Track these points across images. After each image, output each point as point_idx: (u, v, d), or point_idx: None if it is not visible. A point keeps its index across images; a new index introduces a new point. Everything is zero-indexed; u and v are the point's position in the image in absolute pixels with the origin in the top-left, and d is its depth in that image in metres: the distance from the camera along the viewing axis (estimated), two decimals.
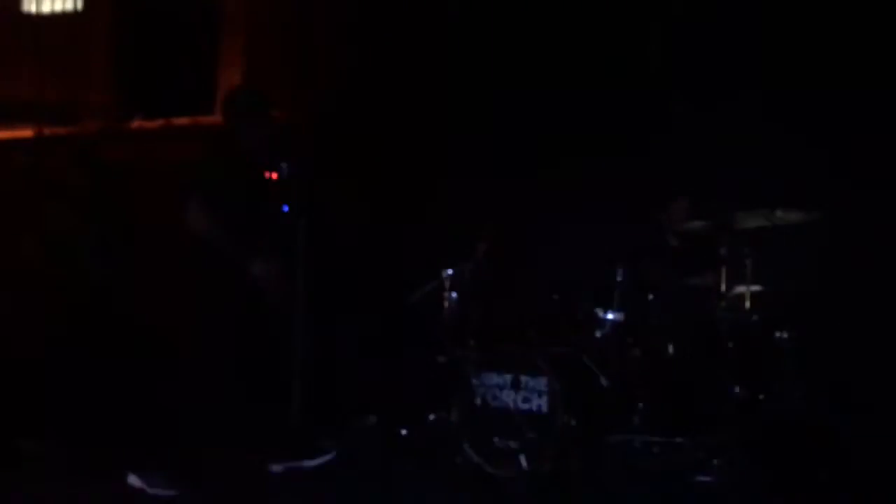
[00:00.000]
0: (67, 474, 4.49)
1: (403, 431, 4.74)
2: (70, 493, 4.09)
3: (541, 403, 4.21)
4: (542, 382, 4.23)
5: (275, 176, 5.32)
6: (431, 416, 4.69)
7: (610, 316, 4.48)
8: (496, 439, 4.24)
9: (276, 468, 4.34)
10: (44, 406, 5.20)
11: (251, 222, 4.40)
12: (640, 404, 4.37)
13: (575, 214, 5.33)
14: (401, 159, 5.85)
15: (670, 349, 4.44)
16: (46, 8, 7.20)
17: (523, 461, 4.11)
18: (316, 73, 6.25)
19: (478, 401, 4.37)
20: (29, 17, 7.18)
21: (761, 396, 4.22)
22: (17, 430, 4.94)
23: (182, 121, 6.69)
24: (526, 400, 4.27)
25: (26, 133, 6.53)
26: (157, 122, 6.78)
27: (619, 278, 4.52)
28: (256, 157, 4.49)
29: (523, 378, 4.29)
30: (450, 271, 4.90)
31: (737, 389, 4.17)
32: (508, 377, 4.33)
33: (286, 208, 5.34)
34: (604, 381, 4.45)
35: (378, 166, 5.90)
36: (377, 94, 6.01)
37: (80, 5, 7.09)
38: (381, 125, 5.95)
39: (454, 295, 4.92)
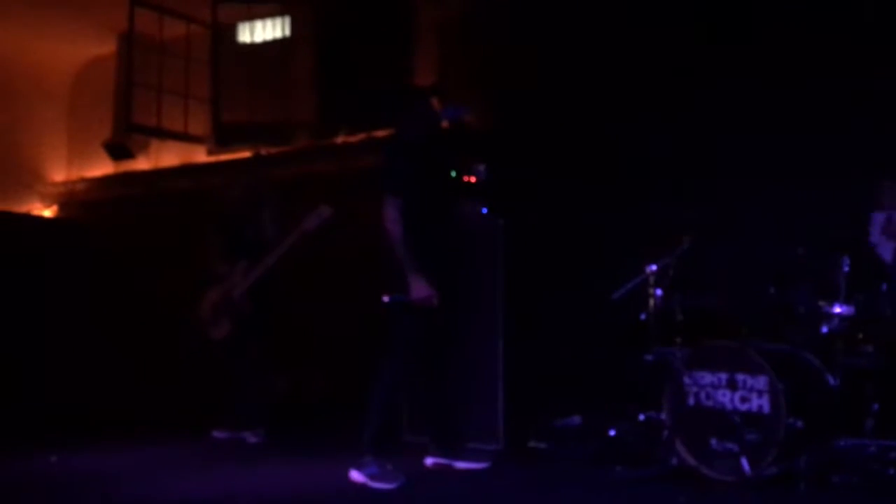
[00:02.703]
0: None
1: (612, 432, 4.63)
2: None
3: (762, 403, 3.96)
4: (762, 381, 3.97)
5: (472, 179, 5.43)
6: (641, 417, 4.55)
7: (837, 309, 4.13)
8: (713, 441, 4.03)
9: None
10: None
11: (444, 226, 4.50)
12: (874, 405, 3.99)
13: (787, 203, 4.99)
14: (599, 157, 5.73)
15: None
16: (259, 37, 7.77)
17: (746, 465, 3.88)
18: (508, 77, 6.29)
19: (690, 400, 4.18)
20: (244, 45, 7.79)
21: None
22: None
23: (382, 133, 6.97)
24: (744, 400, 4.02)
25: (245, 154, 7.06)
26: (360, 136, 7.11)
27: (844, 268, 4.16)
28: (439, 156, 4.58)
29: (740, 376, 4.05)
30: (653, 267, 4.74)
31: None
32: (723, 375, 4.10)
33: (485, 210, 5.42)
34: (831, 381, 4.11)
35: (575, 165, 5.81)
36: (571, 95, 5.93)
37: (287, 32, 7.59)
38: (577, 125, 5.87)
39: (659, 291, 4.75)
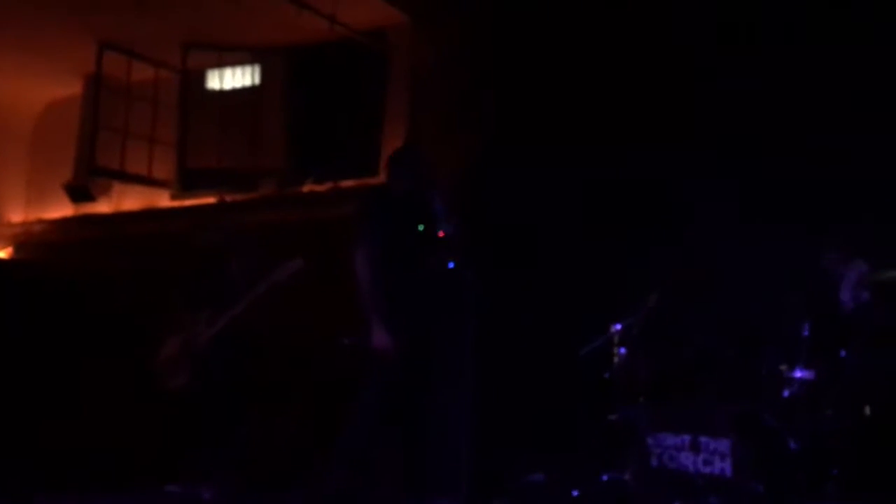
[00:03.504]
0: None
1: (575, 493, 4.60)
2: None
3: (724, 466, 3.97)
4: (724, 444, 4.00)
5: (441, 234, 5.43)
6: (604, 477, 4.53)
7: (798, 374, 4.19)
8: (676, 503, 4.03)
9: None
10: None
11: (415, 279, 4.49)
12: (835, 471, 4.03)
13: (751, 264, 5.07)
14: (569, 209, 5.78)
15: (867, 410, 4.09)
16: (228, 84, 7.77)
17: None
18: (479, 132, 6.34)
19: (654, 462, 4.19)
20: (212, 92, 7.77)
21: None
22: None
23: (349, 183, 6.98)
24: (707, 462, 4.04)
25: (209, 200, 7.01)
26: (326, 186, 7.10)
27: (805, 333, 4.24)
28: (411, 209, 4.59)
29: (703, 439, 4.07)
30: (618, 326, 4.77)
31: None
32: (686, 438, 4.13)
33: (452, 265, 5.42)
34: (792, 444, 4.14)
35: (546, 216, 5.84)
36: (543, 147, 5.97)
37: (257, 80, 7.60)
38: (549, 174, 5.89)
39: (623, 350, 4.78)
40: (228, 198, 6.73)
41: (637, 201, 5.55)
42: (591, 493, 4.54)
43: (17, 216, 8.61)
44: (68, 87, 8.17)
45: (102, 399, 7.11)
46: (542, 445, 5.16)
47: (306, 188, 7.21)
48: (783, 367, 4.22)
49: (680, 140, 5.52)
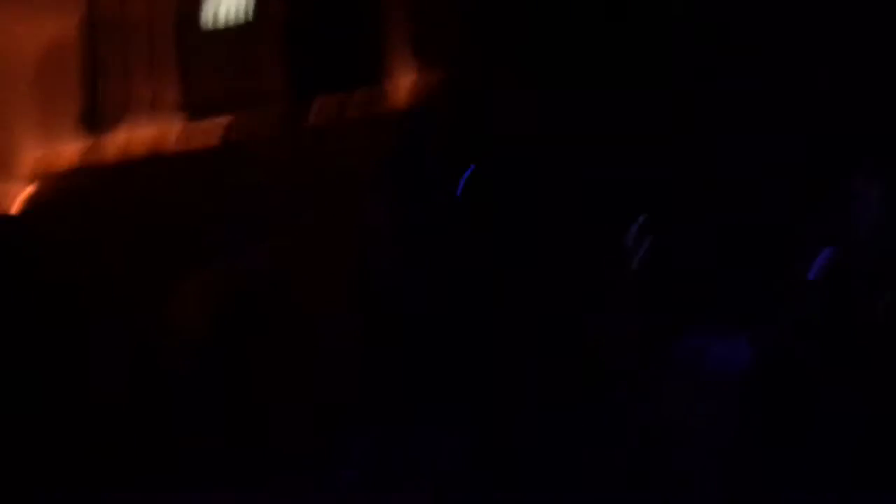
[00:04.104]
0: None
1: None
2: None
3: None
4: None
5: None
6: None
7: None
8: None
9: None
10: None
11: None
12: None
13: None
14: (569, 125, 5.69)
15: None
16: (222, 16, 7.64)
17: None
18: (481, 43, 6.19)
19: None
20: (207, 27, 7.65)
21: None
22: None
23: (357, 96, 6.90)
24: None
25: (215, 143, 7.05)
26: (334, 99, 7.00)
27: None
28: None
29: None
30: None
31: None
32: None
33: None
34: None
35: (547, 136, 5.77)
36: (551, 55, 5.82)
37: (250, 17, 7.45)
38: (554, 89, 5.78)
39: None
40: (233, 136, 6.78)
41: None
42: None
43: (35, 153, 8.77)
44: (69, 22, 8.11)
45: None
46: None
47: (312, 118, 7.19)
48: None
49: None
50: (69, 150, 8.45)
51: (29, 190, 8.76)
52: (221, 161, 6.59)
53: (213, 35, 7.57)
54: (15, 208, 8.45)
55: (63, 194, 8.29)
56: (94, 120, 8.09)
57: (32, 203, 8.49)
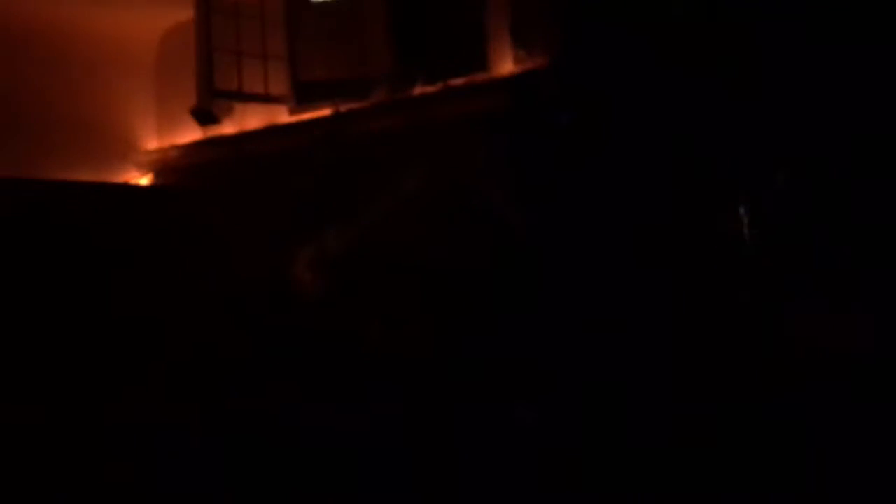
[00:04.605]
0: None
1: None
2: None
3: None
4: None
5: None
6: None
7: None
8: None
9: None
10: None
11: None
12: None
13: None
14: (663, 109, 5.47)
15: None
16: None
17: None
18: (581, 20, 6.06)
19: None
20: (317, 3, 7.77)
21: None
22: None
23: (458, 81, 6.89)
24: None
25: (325, 112, 7.11)
26: (437, 86, 7.04)
27: None
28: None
29: None
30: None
31: None
32: None
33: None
34: None
35: (635, 117, 5.55)
36: (647, 38, 5.64)
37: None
38: (647, 74, 5.57)
39: None
40: (343, 108, 6.80)
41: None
42: None
43: (152, 143, 9.07)
44: (182, 12, 8.38)
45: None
46: None
47: (417, 91, 7.18)
48: None
49: None
50: (184, 140, 8.73)
51: (145, 181, 9.07)
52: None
53: (321, 8, 7.68)
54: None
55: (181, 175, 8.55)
56: (208, 112, 8.28)
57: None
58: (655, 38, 5.50)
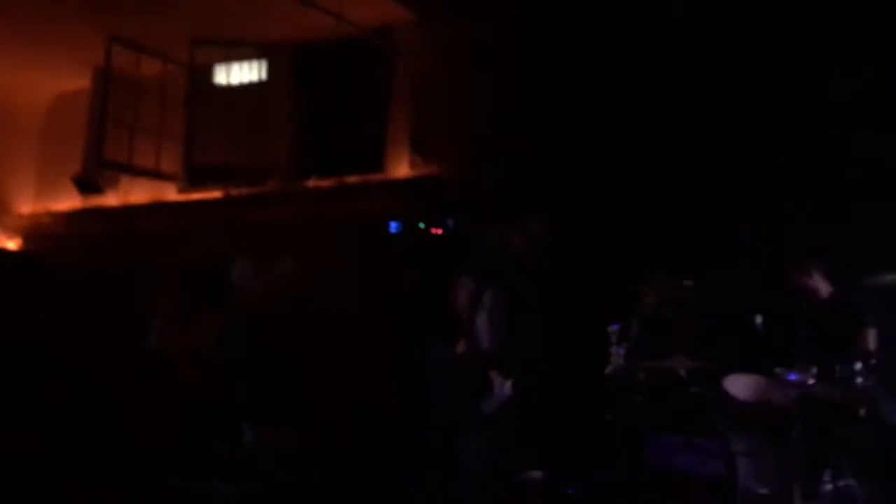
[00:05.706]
0: None
1: (570, 490, 4.65)
2: None
3: (717, 467, 4.01)
4: (717, 445, 4.04)
5: (439, 231, 5.47)
6: (600, 476, 4.58)
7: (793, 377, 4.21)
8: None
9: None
10: None
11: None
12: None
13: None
14: (567, 212, 5.79)
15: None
16: (235, 79, 7.82)
17: None
18: (482, 132, 6.37)
19: (649, 461, 4.23)
20: (219, 88, 7.82)
21: None
22: None
23: (353, 179, 7.03)
24: (701, 463, 4.08)
25: (216, 194, 7.06)
26: (331, 182, 7.14)
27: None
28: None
29: (696, 440, 4.11)
30: (615, 326, 4.81)
31: None
32: (680, 438, 4.16)
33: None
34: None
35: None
36: (545, 150, 5.99)
37: (263, 76, 7.65)
38: (547, 182, 5.90)
39: (620, 350, 4.81)
40: (234, 192, 6.78)
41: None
42: (585, 490, 4.58)
43: (26, 207, 8.71)
44: (77, 80, 8.24)
45: (110, 391, 7.16)
46: (542, 444, 5.19)
47: (311, 184, 7.26)
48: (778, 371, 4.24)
49: None
50: (61, 207, 8.42)
51: (15, 244, 8.65)
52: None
53: (223, 93, 7.71)
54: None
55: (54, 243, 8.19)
56: (92, 181, 8.06)
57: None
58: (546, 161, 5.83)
